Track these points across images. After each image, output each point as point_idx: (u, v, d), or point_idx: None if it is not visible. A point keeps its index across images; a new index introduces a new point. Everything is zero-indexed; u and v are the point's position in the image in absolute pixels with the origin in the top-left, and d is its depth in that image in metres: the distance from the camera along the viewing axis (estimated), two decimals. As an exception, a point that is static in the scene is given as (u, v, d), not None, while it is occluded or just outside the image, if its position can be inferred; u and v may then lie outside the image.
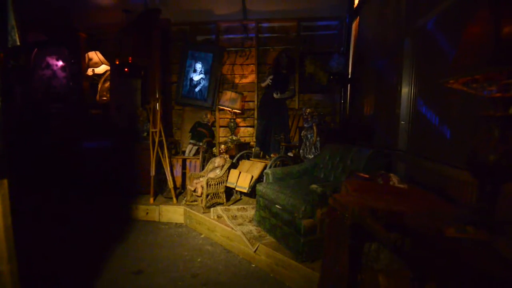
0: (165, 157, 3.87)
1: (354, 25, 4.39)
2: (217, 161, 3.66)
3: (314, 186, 2.23)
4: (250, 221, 3.06)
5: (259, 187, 2.84)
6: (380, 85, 3.17)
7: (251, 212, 3.31)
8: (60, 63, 5.02)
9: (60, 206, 3.94)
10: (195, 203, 3.60)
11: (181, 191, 4.16)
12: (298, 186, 2.67)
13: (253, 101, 4.76)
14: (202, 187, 3.37)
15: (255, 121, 4.70)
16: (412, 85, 2.40)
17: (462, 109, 1.72)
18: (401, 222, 1.11)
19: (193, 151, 4.37)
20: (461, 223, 0.96)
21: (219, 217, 3.20)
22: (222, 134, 4.88)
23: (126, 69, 4.12)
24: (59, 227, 3.49)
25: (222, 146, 3.97)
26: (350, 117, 4.21)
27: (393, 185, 1.77)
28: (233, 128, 4.53)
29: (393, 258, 1.34)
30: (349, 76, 4.40)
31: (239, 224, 2.98)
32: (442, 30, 2.00)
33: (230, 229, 2.91)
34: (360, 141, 3.46)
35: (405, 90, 2.46)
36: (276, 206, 2.56)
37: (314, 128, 3.33)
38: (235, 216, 3.20)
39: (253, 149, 4.46)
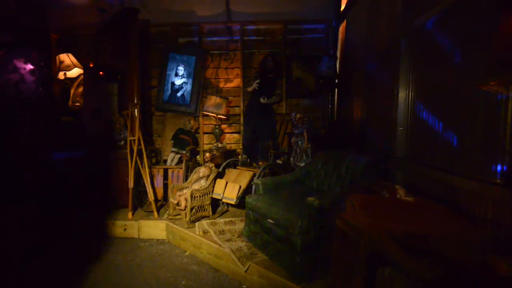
0: (145, 167, 3.57)
1: (341, 29, 4.31)
2: (202, 170, 3.41)
3: (311, 199, 2.03)
4: (239, 236, 2.82)
5: (249, 199, 2.62)
6: (372, 89, 3.06)
7: (239, 225, 3.07)
8: (29, 66, 4.59)
9: (23, 224, 3.53)
10: (178, 216, 3.32)
11: (162, 203, 3.86)
12: (291, 198, 2.47)
13: (239, 106, 4.55)
14: (186, 200, 3.11)
15: (241, 127, 4.49)
16: (410, 89, 2.28)
17: (473, 114, 1.59)
18: (426, 246, 0.93)
19: (175, 160, 4.09)
20: (507, 255, 0.79)
21: (205, 232, 2.94)
22: (206, 141, 4.63)
23: (101, 73, 3.81)
24: (21, 248, 3.11)
25: (207, 154, 3.72)
26: (339, 122, 4.09)
27: (400, 198, 1.61)
28: (218, 135, 4.30)
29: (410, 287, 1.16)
30: (336, 81, 4.30)
31: (227, 240, 2.74)
32: (444, 30, 1.89)
33: (218, 246, 2.66)
34: (350, 147, 3.33)
35: (402, 94, 2.34)
36: (269, 220, 2.34)
37: (305, 134, 3.16)
38: (223, 230, 2.95)
39: (240, 157, 4.24)
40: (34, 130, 4.38)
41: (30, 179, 3.98)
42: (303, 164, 3.16)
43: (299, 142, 3.21)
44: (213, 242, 2.73)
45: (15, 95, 4.62)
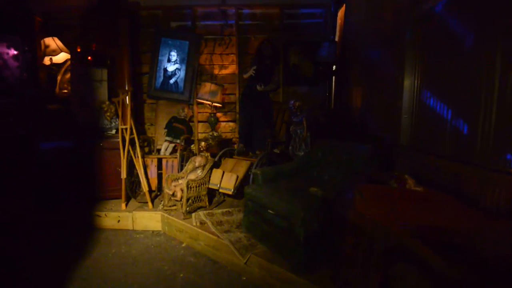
0: (138, 157, 3.45)
1: (340, 14, 4.18)
2: (198, 160, 3.31)
3: (314, 189, 1.96)
4: (237, 227, 2.76)
5: (248, 190, 2.54)
6: (373, 76, 2.97)
7: (237, 216, 3.01)
8: (12, 51, 4.34)
9: (11, 216, 3.40)
10: (174, 207, 3.23)
11: (157, 194, 3.75)
12: (292, 188, 2.40)
13: (235, 94, 4.41)
14: (182, 190, 3.01)
15: (237, 116, 4.37)
16: (417, 75, 2.20)
17: (487, 101, 1.52)
18: (454, 241, 0.86)
19: (169, 149, 3.96)
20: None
21: (202, 223, 2.86)
22: (201, 130, 4.51)
23: (89, 57, 3.61)
24: (7, 243, 2.99)
25: (202, 144, 3.61)
26: (338, 110, 4.01)
27: (410, 188, 1.55)
28: (214, 123, 4.17)
29: (423, 284, 1.10)
30: (334, 67, 4.20)
31: (225, 231, 2.67)
32: (456, 13, 1.79)
33: (216, 238, 2.59)
34: (350, 136, 3.27)
35: (408, 81, 2.26)
36: (269, 211, 2.27)
37: (304, 122, 3.07)
38: (221, 221, 2.88)
39: (236, 146, 4.14)
40: (19, 119, 4.17)
41: (17, 171, 3.82)
42: (302, 153, 3.09)
43: (298, 131, 3.13)
44: (210, 234, 2.66)
45: (-3, 82, 4.38)
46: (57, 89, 4.20)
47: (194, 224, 2.86)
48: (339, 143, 2.69)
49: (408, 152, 2.26)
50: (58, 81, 4.22)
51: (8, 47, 4.29)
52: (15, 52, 4.29)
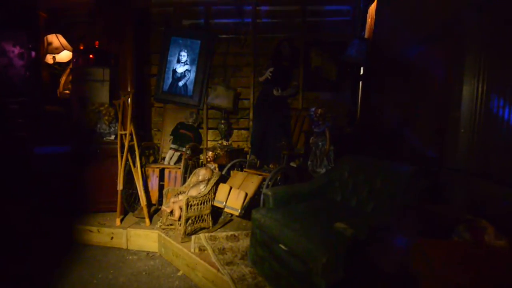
0: (137, 166, 3.07)
1: (370, 11, 3.67)
2: (202, 173, 2.88)
3: (340, 225, 1.47)
4: (242, 257, 2.29)
5: (256, 215, 2.07)
6: (415, 80, 2.44)
7: (244, 242, 2.54)
8: (18, 49, 4.16)
9: None
10: (172, 226, 2.81)
11: (157, 208, 3.36)
12: (311, 217, 1.91)
13: (249, 99, 3.99)
14: (181, 209, 2.59)
15: (251, 123, 3.94)
16: (481, 78, 1.67)
17: None
18: None
19: (174, 158, 3.57)
20: None
21: (201, 250, 2.42)
22: (211, 138, 4.10)
23: (91, 56, 3.31)
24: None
25: (210, 153, 3.19)
26: (366, 120, 3.47)
27: (490, 242, 1.03)
28: (224, 131, 3.76)
29: None
30: (362, 71, 3.68)
31: (228, 263, 2.21)
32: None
33: (216, 271, 2.13)
34: (382, 152, 2.73)
35: (468, 85, 1.72)
36: (281, 246, 1.79)
37: (327, 133, 2.58)
38: (223, 248, 2.42)
39: (247, 156, 3.70)
40: (23, 121, 3.93)
41: (12, 176, 3.55)
42: (324, 170, 2.59)
43: (320, 143, 2.64)
44: (210, 265, 2.20)
45: (3, 81, 4.19)
46: (60, 89, 3.95)
47: (193, 250, 2.42)
48: (371, 161, 2.18)
49: (466, 179, 1.71)
50: (63, 82, 3.98)
51: (14, 45, 4.09)
52: (21, 50, 4.10)
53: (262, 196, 2.38)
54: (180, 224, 2.59)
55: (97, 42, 3.38)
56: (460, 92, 1.75)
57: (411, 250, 1.01)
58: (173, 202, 2.69)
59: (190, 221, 2.61)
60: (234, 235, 2.66)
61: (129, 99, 3.13)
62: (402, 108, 2.62)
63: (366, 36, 3.71)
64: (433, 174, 1.86)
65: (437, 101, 2.06)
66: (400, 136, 2.52)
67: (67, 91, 3.77)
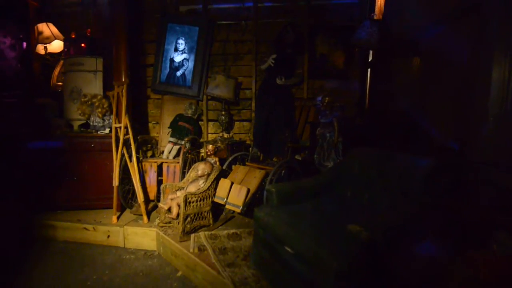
0: (133, 161, 2.91)
1: (380, -8, 3.41)
2: (201, 168, 2.71)
3: (354, 227, 1.29)
4: (245, 258, 2.13)
5: (258, 213, 1.90)
6: (432, 63, 2.22)
7: (247, 240, 2.38)
8: (9, 40, 3.98)
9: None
10: (171, 224, 2.66)
11: (156, 204, 3.20)
12: (319, 216, 1.74)
13: (250, 89, 3.79)
14: (179, 206, 2.43)
15: (253, 114, 3.74)
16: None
17: None
18: None
19: (173, 152, 3.41)
20: None
21: (201, 250, 2.26)
22: (211, 130, 3.92)
23: (82, 44, 3.12)
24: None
25: (210, 147, 3.01)
26: (374, 110, 3.26)
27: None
28: (225, 123, 3.57)
29: None
30: (370, 58, 3.45)
31: (229, 264, 2.05)
32: None
33: (216, 273, 1.98)
34: (396, 143, 2.53)
35: (498, 68, 1.51)
36: (286, 248, 1.62)
37: (335, 124, 2.38)
38: (225, 248, 2.26)
39: (250, 149, 3.52)
40: (15, 116, 3.77)
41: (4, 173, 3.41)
42: (332, 163, 2.40)
43: (327, 135, 2.44)
44: (210, 266, 2.05)
45: (-5, 74, 4.02)
46: (53, 81, 3.78)
47: (192, 250, 2.26)
48: (385, 154, 1.99)
49: (497, 174, 1.51)
50: (56, 74, 3.80)
51: (5, 36, 3.91)
52: (12, 41, 3.91)
53: (265, 193, 2.20)
54: (178, 223, 2.44)
55: (88, 30, 3.19)
56: (487, 74, 1.54)
57: (450, 263, 0.84)
58: (171, 199, 2.53)
59: (189, 219, 2.46)
60: (236, 233, 2.51)
61: (123, 89, 2.94)
62: (416, 94, 2.40)
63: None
64: (456, 168, 1.67)
65: (458, 85, 1.84)
66: (415, 125, 2.31)
67: (60, 83, 3.59)
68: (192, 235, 2.45)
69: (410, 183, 1.70)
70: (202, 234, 2.47)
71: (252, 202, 2.54)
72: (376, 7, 3.24)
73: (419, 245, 1.18)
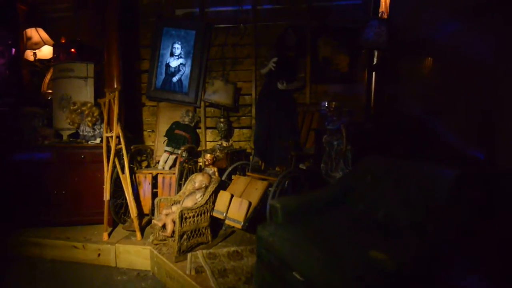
0: (125, 173, 2.71)
1: (384, -9, 3.26)
2: (198, 179, 2.51)
3: (377, 255, 1.09)
4: (247, 281, 1.92)
5: (262, 233, 1.70)
6: (448, 64, 2.05)
7: (249, 260, 2.17)
8: (-1, 47, 3.82)
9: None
10: (166, 241, 2.45)
11: (151, 218, 2.99)
12: (331, 236, 1.54)
13: (250, 94, 3.61)
14: (174, 223, 2.22)
15: (253, 121, 3.56)
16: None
17: None
18: None
19: (169, 162, 3.21)
20: None
21: (198, 271, 2.05)
22: (209, 139, 3.73)
23: (72, 50, 2.95)
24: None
25: (208, 156, 2.82)
26: (381, 115, 3.08)
27: None
28: (223, 130, 3.39)
29: None
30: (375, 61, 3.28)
31: (229, 289, 1.84)
32: None
33: (215, 300, 1.77)
34: (405, 150, 2.34)
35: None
36: (295, 275, 1.42)
37: (343, 131, 2.19)
38: (225, 270, 2.05)
39: (250, 158, 3.33)
40: (7, 125, 3.57)
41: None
42: (341, 174, 2.20)
43: (335, 143, 2.25)
44: (208, 292, 1.84)
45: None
46: (44, 88, 3.60)
47: (188, 272, 2.05)
48: (401, 163, 1.79)
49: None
50: (47, 81, 3.62)
51: (-6, 42, 3.75)
52: (0, 48, 3.75)
53: (268, 207, 2.01)
54: (173, 241, 2.22)
55: (79, 36, 3.02)
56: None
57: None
58: (166, 215, 2.32)
59: (185, 236, 2.25)
60: (237, 252, 2.29)
61: (115, 96, 2.76)
62: (429, 97, 2.22)
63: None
64: (488, 179, 1.47)
65: (481, 87, 1.66)
66: (432, 131, 2.12)
67: (50, 91, 3.41)
68: (189, 255, 2.23)
69: (433, 196, 1.51)
70: (200, 253, 2.25)
71: (253, 218, 2.33)
72: (381, 6, 3.09)
73: (456, 278, 0.99)
